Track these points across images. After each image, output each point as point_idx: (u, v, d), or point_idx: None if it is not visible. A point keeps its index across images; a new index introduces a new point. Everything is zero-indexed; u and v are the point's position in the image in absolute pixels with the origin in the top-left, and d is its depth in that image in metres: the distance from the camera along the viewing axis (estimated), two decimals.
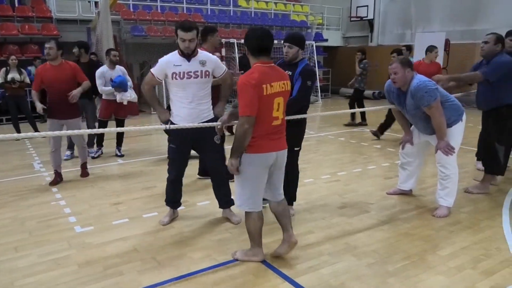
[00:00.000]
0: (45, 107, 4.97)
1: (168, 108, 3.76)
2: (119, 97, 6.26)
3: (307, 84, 3.48)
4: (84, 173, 5.45)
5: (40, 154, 6.76)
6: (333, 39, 16.61)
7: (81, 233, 3.68)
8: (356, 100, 9.13)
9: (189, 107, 3.49)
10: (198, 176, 5.26)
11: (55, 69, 4.93)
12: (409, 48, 8.08)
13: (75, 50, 6.56)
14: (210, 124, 3.45)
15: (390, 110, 7.40)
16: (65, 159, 6.17)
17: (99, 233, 3.66)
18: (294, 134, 3.57)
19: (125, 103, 6.35)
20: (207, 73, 3.51)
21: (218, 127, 3.31)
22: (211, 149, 3.72)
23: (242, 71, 6.36)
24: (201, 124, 3.46)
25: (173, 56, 3.50)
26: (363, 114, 9.34)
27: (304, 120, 3.77)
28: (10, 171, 5.84)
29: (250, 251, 3.11)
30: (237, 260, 3.11)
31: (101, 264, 3.10)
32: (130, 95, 6.35)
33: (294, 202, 4.06)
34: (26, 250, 3.35)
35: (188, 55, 3.45)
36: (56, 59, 4.92)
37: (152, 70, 3.56)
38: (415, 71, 3.89)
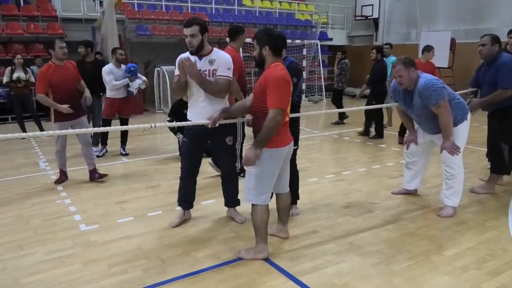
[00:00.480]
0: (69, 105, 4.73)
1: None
2: (136, 83, 6.44)
3: (292, 81, 3.49)
4: (100, 175, 5.21)
5: (46, 152, 6.78)
6: (338, 38, 16.56)
7: (85, 231, 3.70)
8: (335, 99, 9.38)
9: (202, 105, 3.50)
10: (209, 160, 5.21)
11: (62, 70, 4.83)
12: (392, 46, 8.51)
13: (81, 49, 6.59)
14: (203, 122, 3.40)
15: (365, 112, 7.55)
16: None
17: (104, 232, 3.68)
18: (291, 133, 3.57)
19: (143, 87, 6.63)
20: (215, 71, 3.49)
21: (209, 125, 3.32)
22: (223, 149, 3.72)
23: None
24: (193, 122, 3.47)
25: (188, 54, 3.53)
26: (341, 113, 9.51)
27: (298, 118, 3.80)
28: (16, 169, 5.86)
29: (255, 249, 3.12)
30: (241, 259, 3.11)
31: (105, 263, 3.11)
32: (141, 80, 6.66)
33: (298, 201, 4.05)
34: (31, 248, 3.36)
35: (192, 53, 3.45)
36: (64, 59, 4.90)
37: (175, 72, 3.62)
38: None
